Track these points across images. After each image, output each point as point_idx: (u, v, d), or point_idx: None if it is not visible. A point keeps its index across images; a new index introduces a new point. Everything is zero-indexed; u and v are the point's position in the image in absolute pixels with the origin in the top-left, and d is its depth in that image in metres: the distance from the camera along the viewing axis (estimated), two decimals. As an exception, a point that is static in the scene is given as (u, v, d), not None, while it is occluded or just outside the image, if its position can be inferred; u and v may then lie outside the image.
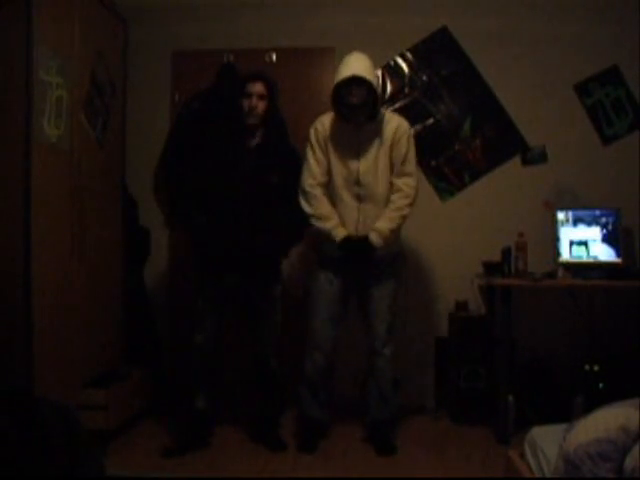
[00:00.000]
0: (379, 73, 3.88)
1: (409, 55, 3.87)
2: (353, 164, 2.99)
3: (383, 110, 3.02)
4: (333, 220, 3.00)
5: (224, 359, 3.35)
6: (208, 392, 3.17)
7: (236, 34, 3.89)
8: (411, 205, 3.02)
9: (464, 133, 3.86)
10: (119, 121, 3.62)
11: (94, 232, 3.21)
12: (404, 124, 3.07)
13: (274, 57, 3.88)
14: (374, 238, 2.95)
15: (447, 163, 3.87)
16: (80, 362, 3.08)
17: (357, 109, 2.94)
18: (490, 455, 3.02)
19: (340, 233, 2.98)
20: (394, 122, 3.05)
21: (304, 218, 3.04)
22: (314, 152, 3.04)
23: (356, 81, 2.88)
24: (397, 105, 3.88)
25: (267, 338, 3.18)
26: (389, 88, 3.89)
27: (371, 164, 2.98)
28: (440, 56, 3.85)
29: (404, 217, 3.01)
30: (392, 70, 3.89)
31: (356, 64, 2.91)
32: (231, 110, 3.05)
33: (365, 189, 2.99)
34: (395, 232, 3.03)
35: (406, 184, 3.00)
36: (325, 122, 3.07)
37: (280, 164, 3.06)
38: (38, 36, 2.65)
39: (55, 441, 1.64)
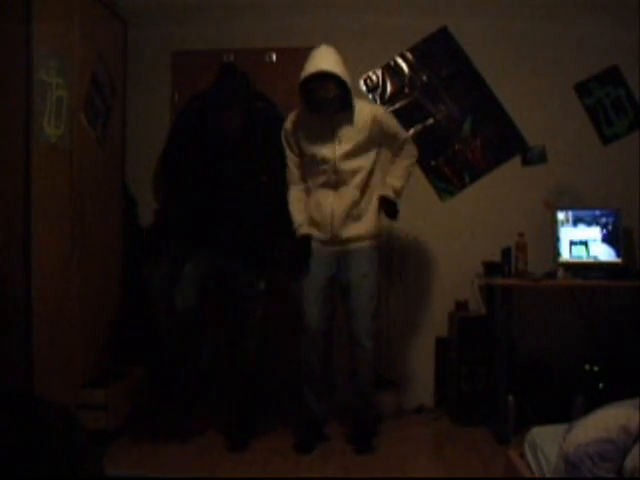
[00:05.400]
0: (379, 73, 3.88)
1: (409, 55, 3.87)
2: (328, 151, 3.05)
3: (355, 100, 3.09)
4: (301, 217, 3.12)
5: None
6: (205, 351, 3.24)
7: (236, 34, 3.88)
8: (414, 164, 3.27)
9: (464, 133, 3.86)
10: (119, 121, 3.62)
11: (94, 232, 3.22)
12: (379, 108, 3.24)
13: (274, 57, 3.88)
14: (391, 194, 3.12)
15: (447, 163, 3.87)
16: (80, 362, 3.08)
17: (328, 102, 3.00)
18: (490, 455, 3.02)
19: (301, 231, 3.10)
20: (368, 108, 3.15)
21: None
22: (288, 152, 3.17)
23: (323, 75, 2.93)
24: (397, 105, 3.88)
25: (247, 337, 3.19)
26: (389, 88, 3.89)
27: (347, 149, 3.05)
28: (440, 56, 3.85)
29: (410, 174, 3.22)
30: (392, 70, 3.89)
31: (322, 59, 2.95)
32: (220, 113, 3.09)
33: (341, 175, 3.05)
34: (405, 188, 3.16)
35: (407, 148, 3.19)
36: (293, 119, 3.15)
37: (269, 164, 3.13)
38: (38, 36, 2.65)
39: (55, 441, 1.64)
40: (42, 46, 2.69)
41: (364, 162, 3.08)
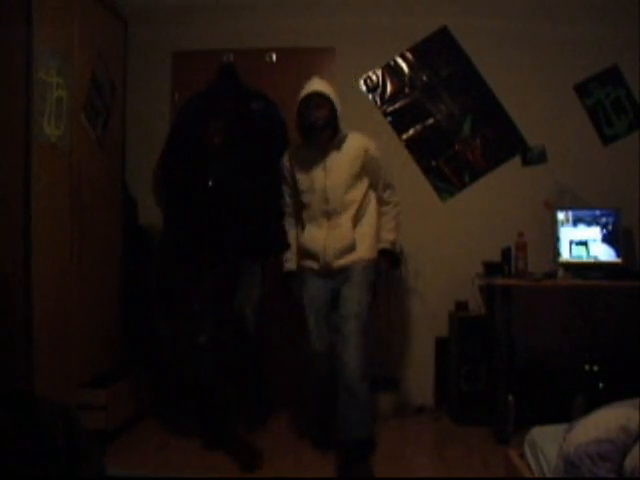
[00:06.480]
0: (379, 73, 3.89)
1: (409, 55, 3.87)
2: (320, 181, 3.05)
3: (345, 130, 3.08)
4: (289, 253, 3.19)
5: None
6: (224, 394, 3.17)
7: (236, 34, 3.88)
8: (400, 213, 3.23)
9: (464, 133, 3.86)
10: (119, 121, 3.62)
11: (94, 232, 3.22)
12: (371, 144, 3.15)
13: (274, 57, 3.88)
14: (388, 246, 3.15)
15: (447, 163, 3.87)
16: (80, 362, 3.08)
17: (320, 130, 3.01)
18: (490, 455, 3.02)
19: (287, 266, 3.18)
20: (361, 142, 3.11)
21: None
22: (284, 186, 3.20)
23: (316, 101, 2.97)
24: (397, 105, 3.88)
25: (245, 303, 3.15)
26: (389, 88, 3.89)
27: (338, 180, 3.04)
28: (440, 56, 3.85)
29: (399, 223, 3.23)
30: (392, 70, 3.89)
31: (314, 84, 3.02)
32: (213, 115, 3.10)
33: (333, 205, 3.04)
34: (397, 238, 3.22)
35: (391, 195, 3.19)
36: (290, 152, 3.18)
37: (267, 163, 3.15)
38: (38, 36, 2.65)
39: (55, 441, 1.65)
40: (42, 46, 2.69)
41: (356, 194, 3.06)
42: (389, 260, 3.21)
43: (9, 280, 2.63)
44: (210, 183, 3.03)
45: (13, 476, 1.53)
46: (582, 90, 3.80)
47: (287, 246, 3.19)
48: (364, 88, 3.89)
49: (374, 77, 3.90)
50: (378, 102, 3.89)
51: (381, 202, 3.19)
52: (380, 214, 3.18)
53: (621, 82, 3.77)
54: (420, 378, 3.82)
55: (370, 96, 3.89)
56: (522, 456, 2.23)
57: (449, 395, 3.68)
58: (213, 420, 3.20)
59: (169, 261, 3.46)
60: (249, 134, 3.13)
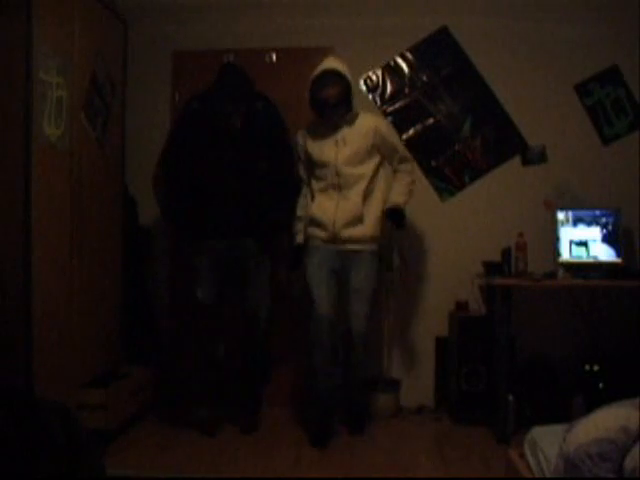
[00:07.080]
0: (379, 73, 3.89)
1: (409, 55, 3.87)
2: (332, 155, 3.19)
3: (357, 110, 3.24)
4: (300, 224, 3.30)
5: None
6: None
7: (236, 34, 3.89)
8: (414, 182, 3.35)
9: (464, 133, 3.86)
10: (119, 121, 3.62)
11: (94, 232, 3.22)
12: (383, 120, 3.34)
13: (274, 57, 3.88)
14: (394, 206, 3.24)
15: (447, 163, 3.87)
16: (80, 362, 3.08)
17: (333, 108, 3.15)
18: (490, 455, 3.02)
19: (298, 239, 3.31)
20: (371, 119, 3.29)
21: (292, 201, 3.31)
22: (298, 161, 3.34)
23: (328, 78, 3.09)
24: (397, 105, 3.88)
25: (257, 298, 3.27)
26: (389, 88, 3.89)
27: (349, 153, 3.17)
28: (440, 56, 3.85)
29: (411, 192, 3.32)
30: (392, 70, 3.89)
31: (328, 62, 3.16)
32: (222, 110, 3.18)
33: (344, 178, 3.17)
34: (407, 204, 3.29)
35: (406, 165, 3.33)
36: (304, 131, 3.32)
37: (269, 152, 3.23)
38: (38, 36, 2.65)
39: (55, 441, 1.64)
40: (42, 46, 2.69)
41: (366, 169, 3.20)
42: (395, 218, 3.26)
43: (9, 281, 2.63)
44: (223, 163, 3.15)
45: (13, 476, 1.53)
46: (582, 90, 3.80)
47: (289, 225, 3.29)
48: (364, 88, 3.89)
49: (374, 77, 3.90)
50: (378, 102, 3.89)
51: (396, 172, 3.31)
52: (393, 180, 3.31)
53: (621, 82, 3.77)
54: (420, 378, 3.82)
55: (370, 96, 3.89)
56: (522, 456, 2.23)
57: (449, 395, 3.68)
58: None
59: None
60: (251, 133, 3.16)
